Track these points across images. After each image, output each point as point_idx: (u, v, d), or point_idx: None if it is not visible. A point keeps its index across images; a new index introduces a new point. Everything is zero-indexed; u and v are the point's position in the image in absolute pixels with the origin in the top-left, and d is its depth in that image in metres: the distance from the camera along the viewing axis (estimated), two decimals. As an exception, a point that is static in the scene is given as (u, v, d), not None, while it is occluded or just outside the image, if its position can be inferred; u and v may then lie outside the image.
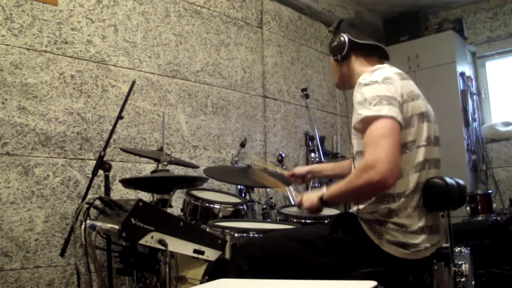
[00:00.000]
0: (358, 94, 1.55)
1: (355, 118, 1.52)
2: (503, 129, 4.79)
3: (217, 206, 2.39)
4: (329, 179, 4.02)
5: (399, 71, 1.63)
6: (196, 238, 1.79)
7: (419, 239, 1.52)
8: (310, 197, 1.69)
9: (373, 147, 1.44)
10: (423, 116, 1.58)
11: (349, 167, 1.91)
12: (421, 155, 1.56)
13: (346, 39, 1.72)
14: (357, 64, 1.74)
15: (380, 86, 1.51)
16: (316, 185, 3.91)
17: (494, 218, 3.43)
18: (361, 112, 1.49)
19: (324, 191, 1.63)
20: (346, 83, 1.80)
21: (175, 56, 3.15)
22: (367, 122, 1.48)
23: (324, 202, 1.64)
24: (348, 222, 1.62)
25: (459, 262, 2.40)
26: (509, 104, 4.94)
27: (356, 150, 1.63)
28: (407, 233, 1.52)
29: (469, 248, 2.67)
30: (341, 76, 1.80)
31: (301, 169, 2.17)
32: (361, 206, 1.61)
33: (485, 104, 5.09)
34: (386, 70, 1.59)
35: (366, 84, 1.53)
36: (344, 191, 1.56)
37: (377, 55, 1.76)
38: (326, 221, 2.31)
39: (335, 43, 1.76)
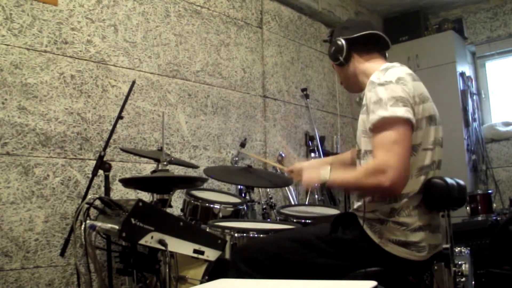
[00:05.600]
0: (372, 94, 1.53)
1: (373, 119, 1.50)
2: (503, 129, 4.78)
3: (217, 206, 2.39)
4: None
5: (410, 71, 1.62)
6: (196, 238, 1.79)
7: (419, 236, 1.52)
8: (312, 176, 1.69)
9: (386, 151, 1.45)
10: (431, 119, 1.57)
11: (350, 161, 1.95)
12: (428, 159, 1.56)
13: (343, 40, 1.73)
14: (361, 62, 1.73)
15: (395, 86, 1.50)
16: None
17: (494, 218, 3.43)
18: (379, 113, 1.48)
19: (327, 177, 1.60)
20: (355, 85, 1.78)
21: (175, 56, 3.15)
22: (384, 123, 1.47)
23: (324, 185, 1.65)
24: (348, 222, 1.61)
25: (459, 262, 2.40)
26: (509, 104, 4.94)
27: (365, 149, 1.60)
28: (408, 231, 1.52)
29: (469, 248, 2.67)
30: (348, 79, 1.79)
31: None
32: (361, 205, 1.60)
33: (485, 104, 5.09)
34: (398, 69, 1.58)
35: (380, 84, 1.52)
36: (349, 185, 1.62)
37: (376, 48, 1.76)
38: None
39: (334, 48, 1.76)
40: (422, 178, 1.55)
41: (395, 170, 1.42)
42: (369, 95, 1.54)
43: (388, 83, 1.51)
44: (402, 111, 1.45)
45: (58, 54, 2.57)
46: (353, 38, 1.72)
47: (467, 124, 4.65)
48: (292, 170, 1.95)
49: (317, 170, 1.66)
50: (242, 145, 3.31)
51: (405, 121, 1.46)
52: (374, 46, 1.76)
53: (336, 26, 1.88)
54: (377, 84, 1.52)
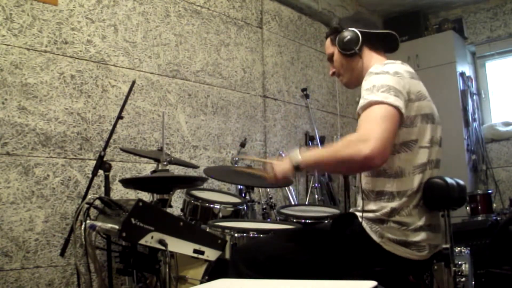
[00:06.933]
0: (367, 82, 1.52)
1: (361, 103, 1.48)
2: (503, 129, 4.79)
3: (217, 206, 2.39)
4: (329, 179, 4.03)
5: (411, 69, 1.61)
6: (196, 238, 1.79)
7: (420, 236, 1.52)
8: (283, 166, 1.55)
9: (371, 123, 1.41)
10: (427, 117, 1.57)
11: None
12: (425, 156, 1.55)
13: (358, 32, 1.67)
14: (370, 57, 1.70)
15: (390, 77, 1.50)
16: (316, 185, 3.91)
17: (494, 218, 3.43)
18: (367, 97, 1.46)
19: (299, 157, 1.51)
20: (356, 79, 1.75)
21: (175, 56, 3.15)
22: (371, 104, 1.44)
23: (298, 169, 1.53)
24: (349, 222, 1.62)
25: (459, 262, 2.40)
26: (509, 104, 4.94)
27: None
28: (408, 231, 1.52)
29: (469, 248, 2.67)
30: (352, 72, 1.74)
31: None
32: (361, 205, 1.60)
33: (485, 104, 5.09)
34: (398, 65, 1.58)
35: (376, 73, 1.52)
36: (326, 159, 1.48)
37: (384, 47, 1.74)
38: (325, 221, 2.31)
39: (348, 38, 1.68)
40: (419, 176, 1.54)
41: (376, 140, 1.36)
42: (363, 84, 1.54)
43: (384, 73, 1.51)
44: (392, 99, 1.43)
45: (58, 54, 2.57)
46: (370, 33, 1.69)
47: (467, 124, 4.65)
48: (264, 171, 1.68)
49: (286, 159, 1.56)
50: (242, 145, 3.31)
51: (394, 108, 1.43)
52: (385, 46, 1.75)
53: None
54: (374, 74, 1.53)
